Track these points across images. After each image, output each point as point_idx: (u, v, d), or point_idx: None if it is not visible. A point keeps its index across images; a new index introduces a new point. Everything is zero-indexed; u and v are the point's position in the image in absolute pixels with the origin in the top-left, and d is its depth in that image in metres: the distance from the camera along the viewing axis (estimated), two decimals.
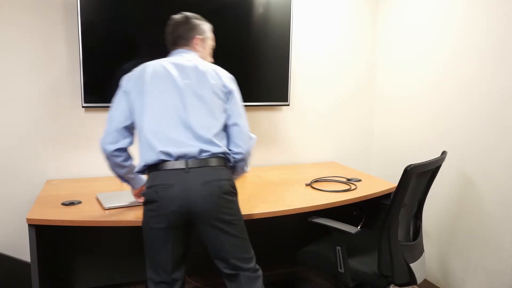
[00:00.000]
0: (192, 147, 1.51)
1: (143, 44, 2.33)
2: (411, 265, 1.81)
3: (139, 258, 2.43)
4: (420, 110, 2.59)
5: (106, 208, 1.79)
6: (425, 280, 2.54)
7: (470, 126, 2.23)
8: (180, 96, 1.57)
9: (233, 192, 1.57)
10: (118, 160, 1.61)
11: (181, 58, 1.66)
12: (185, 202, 1.48)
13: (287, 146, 2.84)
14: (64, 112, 2.34)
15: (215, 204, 1.50)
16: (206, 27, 1.78)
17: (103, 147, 1.59)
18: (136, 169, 1.59)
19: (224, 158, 1.59)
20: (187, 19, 1.73)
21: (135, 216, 1.72)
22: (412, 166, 1.65)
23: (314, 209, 1.93)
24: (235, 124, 1.65)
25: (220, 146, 1.57)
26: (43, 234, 1.88)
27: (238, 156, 1.65)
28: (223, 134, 1.62)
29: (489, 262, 2.13)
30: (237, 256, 1.56)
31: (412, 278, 1.82)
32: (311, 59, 2.82)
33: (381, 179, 2.42)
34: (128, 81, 1.63)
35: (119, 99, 1.62)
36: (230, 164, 1.65)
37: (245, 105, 2.62)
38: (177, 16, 1.75)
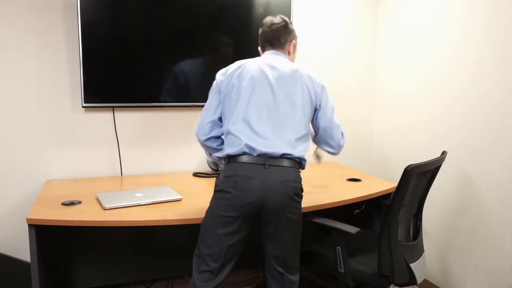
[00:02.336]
0: (275, 148, 1.59)
1: (143, 44, 2.33)
2: (411, 265, 1.81)
3: (139, 258, 2.43)
4: (420, 110, 2.59)
5: (106, 208, 1.79)
6: (425, 280, 2.54)
7: (470, 126, 2.23)
8: (273, 97, 1.64)
9: (302, 195, 1.66)
10: (213, 145, 1.75)
11: (276, 60, 1.72)
12: (262, 196, 1.56)
13: None
14: (64, 112, 2.34)
15: (287, 203, 1.58)
16: (296, 33, 1.87)
17: (198, 137, 1.75)
18: (218, 155, 1.70)
19: (299, 162, 1.67)
20: (286, 23, 1.80)
21: (135, 216, 1.72)
22: (412, 166, 1.65)
23: (314, 209, 1.93)
24: (325, 128, 1.78)
25: (299, 151, 1.64)
26: (43, 234, 1.88)
27: (331, 151, 1.84)
28: (307, 137, 1.70)
29: (489, 262, 2.13)
30: (289, 255, 1.64)
31: (412, 278, 1.82)
32: (311, 59, 2.82)
33: (381, 179, 2.42)
34: (222, 77, 1.71)
35: (213, 95, 1.73)
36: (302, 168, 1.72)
37: None
38: (276, 19, 1.80)
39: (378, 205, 2.35)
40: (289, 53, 1.82)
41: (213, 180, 2.36)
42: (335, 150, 1.83)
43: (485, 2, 2.12)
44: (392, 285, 1.81)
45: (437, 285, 2.48)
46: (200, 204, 1.90)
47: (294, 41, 1.82)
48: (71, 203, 1.85)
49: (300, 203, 1.65)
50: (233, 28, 2.49)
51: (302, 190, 1.66)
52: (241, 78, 1.66)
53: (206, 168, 2.65)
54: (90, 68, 2.25)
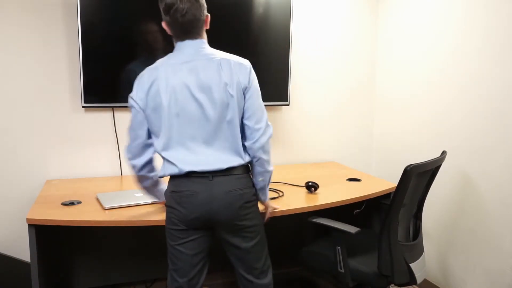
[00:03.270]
0: (218, 164, 1.49)
1: (143, 44, 2.33)
2: (411, 265, 1.81)
3: (139, 258, 2.43)
4: (420, 110, 2.59)
5: (106, 208, 1.79)
6: (425, 280, 2.54)
7: (470, 126, 2.23)
8: (200, 108, 1.49)
9: (253, 200, 1.58)
10: (149, 174, 1.62)
11: (194, 54, 1.50)
12: (208, 209, 1.50)
13: (287, 146, 2.84)
14: (64, 112, 2.34)
15: (236, 213, 1.52)
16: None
17: (132, 162, 1.58)
18: (158, 174, 1.59)
19: (246, 166, 1.58)
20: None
21: (135, 216, 1.72)
22: (412, 166, 1.65)
23: (314, 209, 1.93)
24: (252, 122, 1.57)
25: (243, 158, 1.54)
26: (43, 234, 1.88)
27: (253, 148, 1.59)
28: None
29: (489, 262, 2.13)
30: (255, 261, 1.60)
31: (412, 278, 1.82)
32: (311, 59, 2.82)
33: (381, 179, 2.42)
34: (138, 94, 1.51)
35: (135, 114, 1.53)
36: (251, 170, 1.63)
37: None
38: None
39: (378, 205, 2.35)
40: (204, 36, 1.55)
41: None
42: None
43: (485, 2, 2.12)
44: (392, 285, 1.81)
45: (437, 285, 2.48)
46: None
47: (207, 14, 1.54)
48: (71, 203, 1.85)
49: (253, 207, 1.57)
50: (233, 28, 2.49)
51: (254, 195, 1.58)
52: (160, 95, 1.47)
53: None
54: (90, 68, 2.25)
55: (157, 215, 1.73)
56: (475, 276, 2.22)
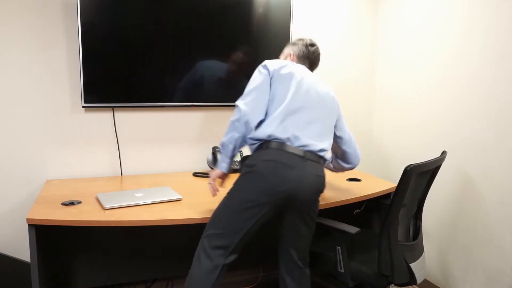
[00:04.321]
0: (315, 145, 1.67)
1: (143, 44, 2.33)
2: (411, 265, 1.81)
3: (139, 258, 2.43)
4: (420, 110, 2.59)
5: (106, 208, 1.79)
6: (425, 280, 2.54)
7: (470, 126, 2.23)
8: (318, 96, 1.75)
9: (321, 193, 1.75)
10: (252, 126, 1.74)
11: (316, 79, 1.83)
12: (297, 186, 1.60)
13: None
14: (64, 112, 2.34)
15: (316, 197, 1.68)
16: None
17: (247, 117, 1.68)
18: (258, 136, 1.67)
19: (325, 159, 1.75)
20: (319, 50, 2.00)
21: (135, 216, 1.72)
22: (412, 166, 1.65)
23: None
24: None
25: (327, 150, 1.74)
26: (43, 234, 1.88)
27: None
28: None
29: (489, 262, 2.13)
30: (307, 249, 1.75)
31: (412, 278, 1.82)
32: None
33: (381, 179, 2.42)
34: (275, 67, 1.75)
35: (264, 79, 1.74)
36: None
37: None
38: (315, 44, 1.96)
39: (378, 205, 2.35)
40: None
41: None
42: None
43: (485, 2, 2.12)
44: (392, 285, 1.81)
45: (437, 285, 2.48)
46: (200, 204, 1.90)
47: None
48: (71, 203, 1.85)
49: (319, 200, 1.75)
50: (233, 28, 2.49)
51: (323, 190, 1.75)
52: (292, 75, 1.73)
53: (206, 168, 2.65)
54: (90, 68, 2.25)
55: (157, 215, 1.73)
56: (475, 276, 2.22)
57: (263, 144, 1.67)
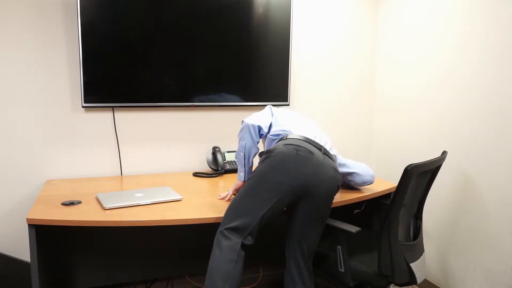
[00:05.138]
0: (325, 143, 1.81)
1: (143, 44, 2.33)
2: (411, 265, 1.81)
3: (139, 258, 2.43)
4: (420, 110, 2.59)
5: (106, 208, 1.79)
6: (425, 280, 2.54)
7: (470, 126, 2.23)
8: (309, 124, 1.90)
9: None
10: (256, 133, 1.87)
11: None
12: (317, 173, 1.64)
13: None
14: (64, 112, 2.34)
15: (331, 192, 1.69)
16: None
17: (253, 123, 1.85)
18: (276, 132, 1.80)
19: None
20: None
21: (135, 216, 1.72)
22: (412, 166, 1.65)
23: None
24: None
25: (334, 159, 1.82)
26: (43, 234, 1.88)
27: None
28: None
29: (489, 262, 2.13)
30: (316, 243, 1.75)
31: (412, 278, 1.82)
32: (311, 59, 2.82)
33: (381, 179, 2.42)
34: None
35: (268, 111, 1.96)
36: None
37: (245, 105, 2.62)
38: None
39: (378, 205, 2.35)
40: None
41: (213, 180, 2.36)
42: None
43: (485, 2, 2.12)
44: (392, 284, 1.81)
45: (437, 285, 2.48)
46: (200, 204, 1.90)
47: None
48: (71, 203, 1.85)
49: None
50: (233, 28, 2.49)
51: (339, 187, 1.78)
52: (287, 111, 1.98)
53: (206, 168, 2.65)
54: (90, 68, 2.25)
55: (157, 215, 1.73)
56: (475, 276, 2.22)
57: (284, 136, 1.77)
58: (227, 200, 1.91)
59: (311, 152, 1.66)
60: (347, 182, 2.14)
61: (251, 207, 1.62)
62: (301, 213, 1.69)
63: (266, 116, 1.92)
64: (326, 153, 1.72)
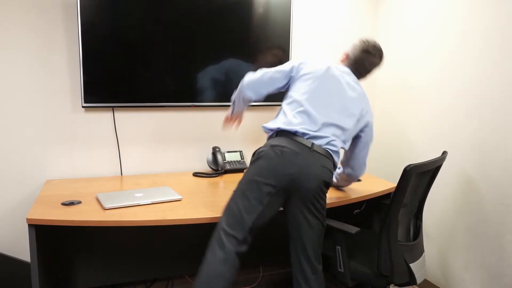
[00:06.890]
0: (325, 138, 1.75)
1: (143, 44, 2.33)
2: (411, 265, 1.81)
3: (139, 258, 2.43)
4: (420, 110, 2.59)
5: (106, 208, 1.79)
6: (425, 280, 2.54)
7: (470, 126, 2.23)
8: (339, 97, 1.84)
9: (329, 187, 1.76)
10: (252, 96, 1.94)
11: (352, 80, 1.94)
12: (302, 171, 1.65)
13: None
14: (64, 112, 2.34)
15: (320, 187, 1.68)
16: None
17: (247, 85, 1.92)
18: (269, 127, 1.81)
19: (333, 160, 1.78)
20: (381, 59, 2.00)
21: (135, 216, 1.72)
22: (411, 166, 1.65)
23: None
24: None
25: (338, 147, 1.80)
26: (43, 234, 1.88)
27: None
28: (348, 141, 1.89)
29: (489, 262, 2.13)
30: (316, 242, 1.71)
31: (412, 278, 1.82)
32: None
33: (381, 179, 2.42)
34: (304, 62, 1.93)
35: (287, 67, 1.93)
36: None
37: None
38: (377, 49, 1.96)
39: (378, 205, 2.35)
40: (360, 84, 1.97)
41: (213, 180, 2.36)
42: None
43: (485, 2, 2.12)
44: (392, 285, 1.81)
45: (437, 285, 2.48)
46: (200, 204, 1.90)
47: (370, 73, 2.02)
48: (71, 203, 1.85)
49: (326, 194, 1.74)
50: (233, 28, 2.49)
51: (331, 182, 1.76)
52: (318, 71, 1.87)
53: (206, 168, 2.65)
54: (90, 68, 2.25)
55: (157, 215, 1.73)
56: (475, 276, 2.22)
57: (275, 134, 1.79)
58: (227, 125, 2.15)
59: (296, 153, 1.67)
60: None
61: (244, 210, 1.65)
62: (292, 211, 1.70)
63: (272, 80, 1.92)
64: (316, 150, 1.71)
